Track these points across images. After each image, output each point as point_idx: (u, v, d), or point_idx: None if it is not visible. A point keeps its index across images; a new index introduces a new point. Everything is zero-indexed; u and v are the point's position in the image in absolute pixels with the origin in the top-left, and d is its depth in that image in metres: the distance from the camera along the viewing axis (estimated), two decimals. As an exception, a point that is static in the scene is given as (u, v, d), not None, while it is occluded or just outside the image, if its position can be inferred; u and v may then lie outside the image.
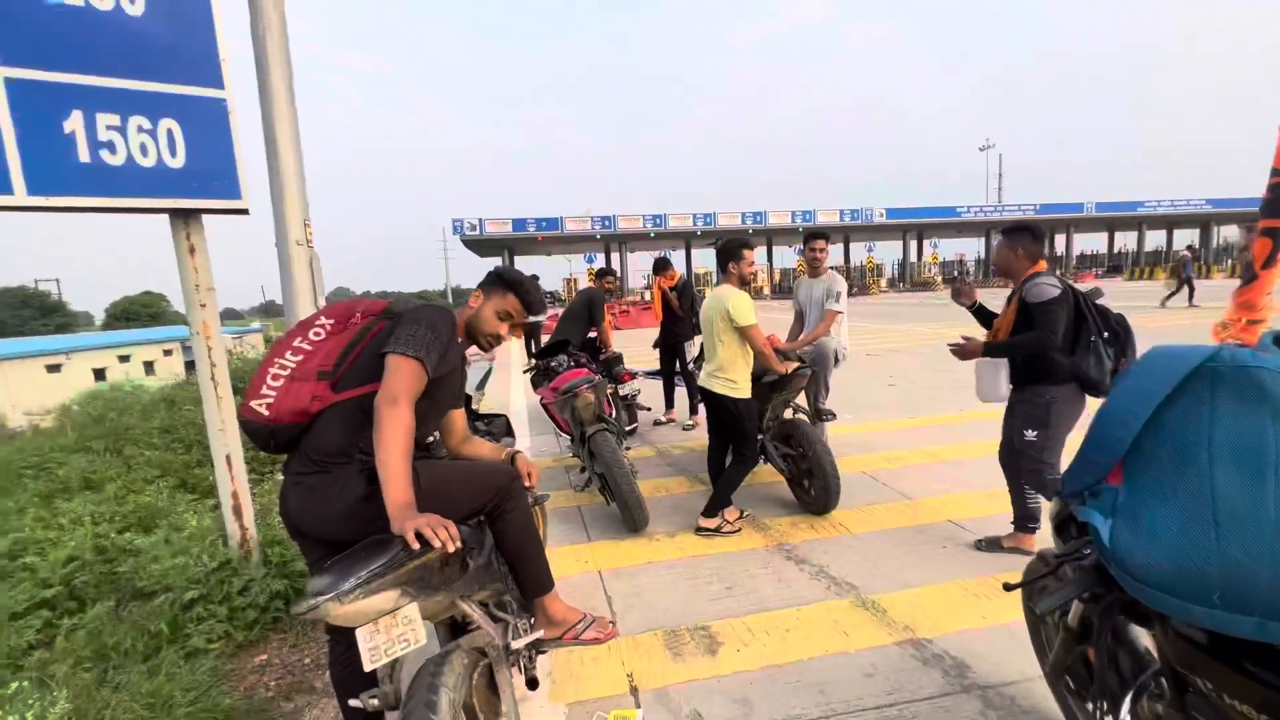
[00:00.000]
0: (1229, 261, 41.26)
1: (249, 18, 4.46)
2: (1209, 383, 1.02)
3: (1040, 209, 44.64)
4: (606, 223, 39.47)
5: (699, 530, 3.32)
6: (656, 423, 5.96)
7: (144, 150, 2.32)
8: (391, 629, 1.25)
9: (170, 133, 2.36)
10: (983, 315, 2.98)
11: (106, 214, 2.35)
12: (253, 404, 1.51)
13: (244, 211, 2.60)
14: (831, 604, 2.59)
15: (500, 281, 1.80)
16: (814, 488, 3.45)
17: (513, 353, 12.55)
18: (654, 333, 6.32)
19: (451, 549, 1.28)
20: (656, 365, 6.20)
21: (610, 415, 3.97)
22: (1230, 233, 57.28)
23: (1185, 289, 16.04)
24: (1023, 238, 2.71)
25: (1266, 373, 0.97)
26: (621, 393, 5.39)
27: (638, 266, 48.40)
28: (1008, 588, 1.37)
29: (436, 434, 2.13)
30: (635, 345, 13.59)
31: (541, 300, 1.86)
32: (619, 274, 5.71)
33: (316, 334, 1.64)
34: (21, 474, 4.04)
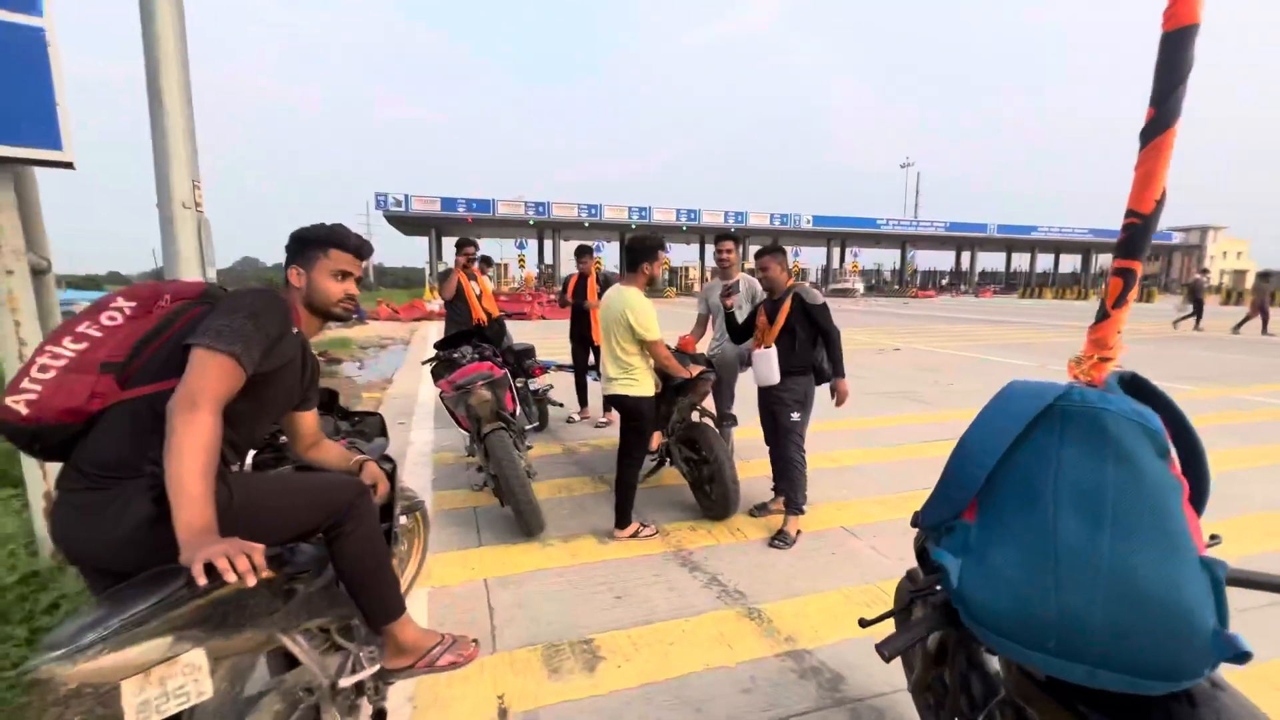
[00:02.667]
0: (1104, 286, 45.88)
1: None
2: (1059, 422, 1.00)
3: (950, 226, 47.89)
4: (540, 209, 38.63)
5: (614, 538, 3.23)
6: (569, 420, 5.80)
7: (-74, 79, 1.91)
8: (167, 680, 1.04)
9: (-35, 62, 1.96)
10: (730, 320, 3.57)
11: None
12: (9, 400, 1.24)
13: (67, 165, 2.22)
14: (719, 614, 2.56)
15: (312, 243, 1.58)
16: (714, 493, 3.43)
17: (431, 337, 11.97)
18: None
19: (251, 582, 1.08)
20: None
21: (514, 412, 3.78)
22: (1107, 260, 63.88)
23: (1197, 312, 15.38)
24: (783, 256, 3.38)
25: (1109, 415, 0.96)
26: (532, 387, 5.21)
27: (571, 255, 47.68)
28: (863, 623, 1.35)
29: (283, 437, 1.90)
30: (560, 337, 13.34)
31: (364, 240, 1.66)
32: (477, 246, 5.52)
33: (110, 319, 1.37)
34: None
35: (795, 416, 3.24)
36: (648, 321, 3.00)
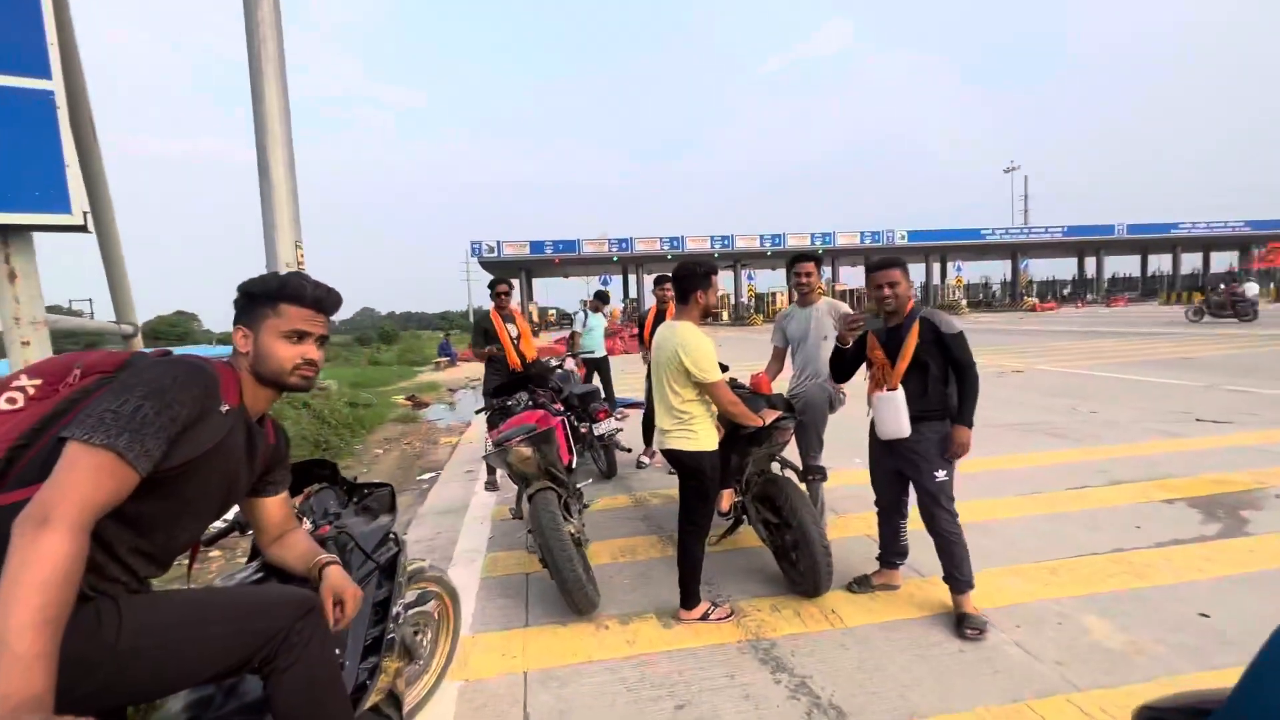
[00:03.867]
0: (1272, 285, 39.33)
1: (245, 44, 4.20)
2: None
3: (1068, 230, 43.37)
4: (623, 245, 39.36)
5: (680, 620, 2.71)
6: (639, 464, 5.35)
7: (-61, 152, 1.86)
8: None
9: (-23, 131, 1.90)
10: (839, 355, 2.84)
11: (-114, 231, 1.89)
12: None
13: (79, 228, 2.12)
14: (809, 741, 1.96)
15: (259, 298, 1.28)
16: (801, 564, 2.82)
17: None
18: None
19: None
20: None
21: (570, 464, 3.40)
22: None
23: None
24: (905, 271, 2.65)
25: None
26: (597, 432, 4.84)
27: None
28: None
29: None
30: (639, 372, 12.96)
31: (327, 291, 1.33)
32: (510, 284, 5.20)
33: (11, 401, 1.12)
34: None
35: (941, 475, 2.56)
36: (704, 361, 2.52)
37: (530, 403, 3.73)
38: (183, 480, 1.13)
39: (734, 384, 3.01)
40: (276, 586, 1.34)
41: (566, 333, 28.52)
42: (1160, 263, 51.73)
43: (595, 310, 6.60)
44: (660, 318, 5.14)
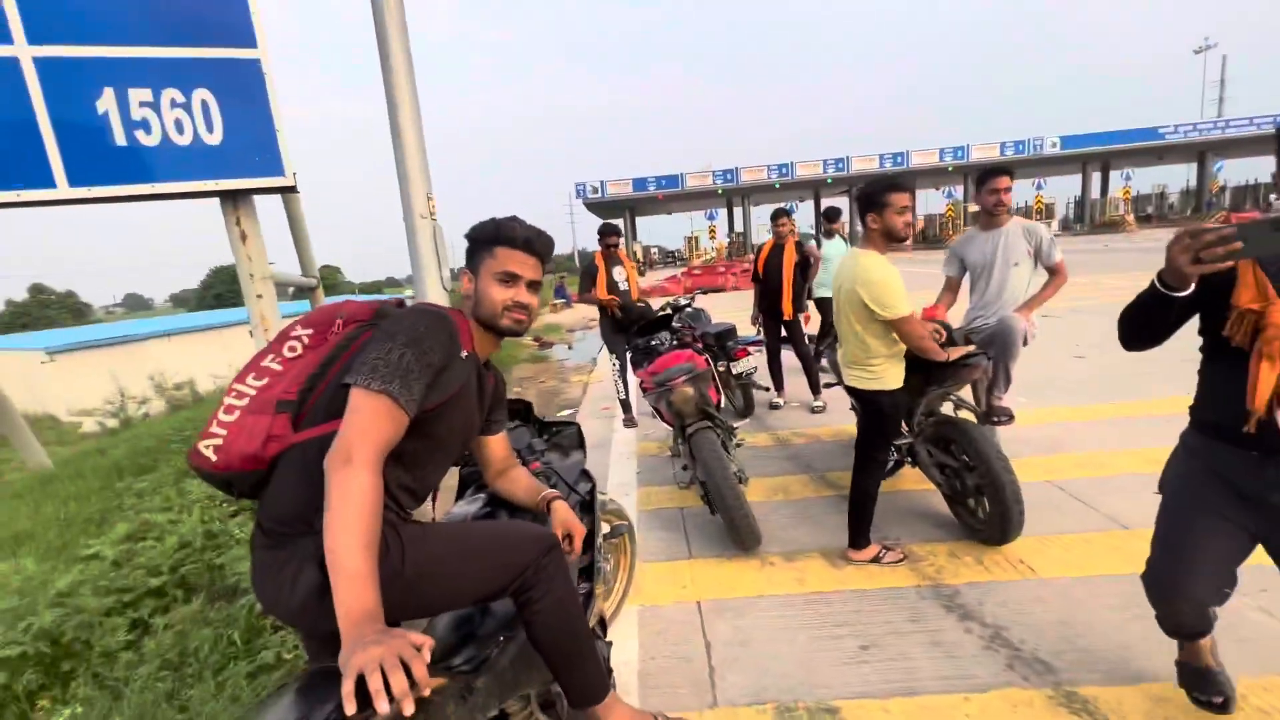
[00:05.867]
0: None
1: (370, 6, 4.39)
2: None
3: (1279, 121, 35.15)
4: (728, 176, 37.73)
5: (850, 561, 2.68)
6: (773, 406, 5.24)
7: (179, 127, 2.09)
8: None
9: (205, 104, 2.11)
10: (1155, 303, 1.33)
11: (150, 201, 2.17)
12: (200, 446, 1.15)
13: (291, 189, 2.31)
14: (1015, 694, 1.85)
15: (479, 242, 1.33)
16: (985, 511, 2.63)
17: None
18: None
19: (408, 710, 0.81)
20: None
21: (719, 404, 3.39)
22: None
23: None
24: None
25: None
26: (735, 370, 4.77)
27: (763, 220, 46.19)
28: None
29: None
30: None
31: (538, 233, 1.35)
32: (620, 233, 5.00)
33: (291, 350, 1.24)
34: (170, 447, 4.41)
35: None
36: (887, 296, 2.31)
37: (675, 342, 3.71)
38: (436, 421, 1.21)
39: None
40: (520, 523, 1.44)
41: (676, 270, 28.16)
42: None
43: (830, 236, 5.53)
44: (776, 252, 4.88)
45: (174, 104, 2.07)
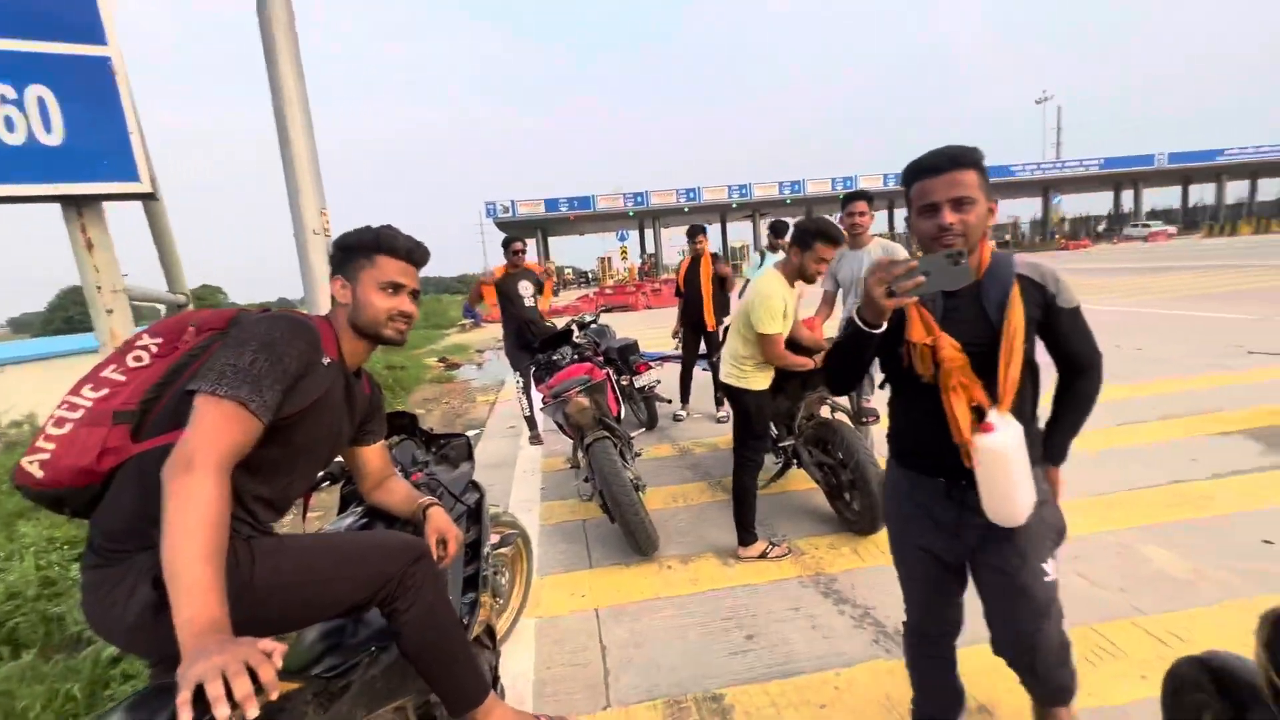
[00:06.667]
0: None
1: (255, 8, 4.16)
2: None
3: (1105, 163, 41.33)
4: (639, 199, 38.66)
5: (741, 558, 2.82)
6: (676, 418, 5.41)
7: (10, 125, 1.90)
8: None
9: (42, 101, 1.93)
10: (852, 343, 1.30)
11: (-28, 205, 1.95)
12: (24, 462, 1.07)
13: (149, 196, 2.16)
14: (879, 665, 2.04)
15: (356, 250, 1.31)
16: (857, 503, 2.87)
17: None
18: None
19: (251, 714, 0.79)
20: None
21: (618, 416, 3.47)
22: (1326, 180, 51.97)
23: None
24: (978, 170, 1.25)
25: None
26: (637, 384, 4.90)
27: (672, 243, 47.57)
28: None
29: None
30: (670, 324, 12.95)
31: (417, 243, 1.36)
32: (523, 245, 5.05)
33: (136, 359, 1.18)
34: (1, 489, 3.85)
35: (1054, 571, 1.35)
36: (761, 313, 2.56)
37: (575, 356, 3.77)
38: (295, 430, 1.18)
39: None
40: (387, 532, 1.42)
41: (589, 290, 28.27)
42: (1203, 193, 49.21)
43: (774, 250, 4.72)
44: (694, 267, 5.10)
45: (3, 100, 1.89)
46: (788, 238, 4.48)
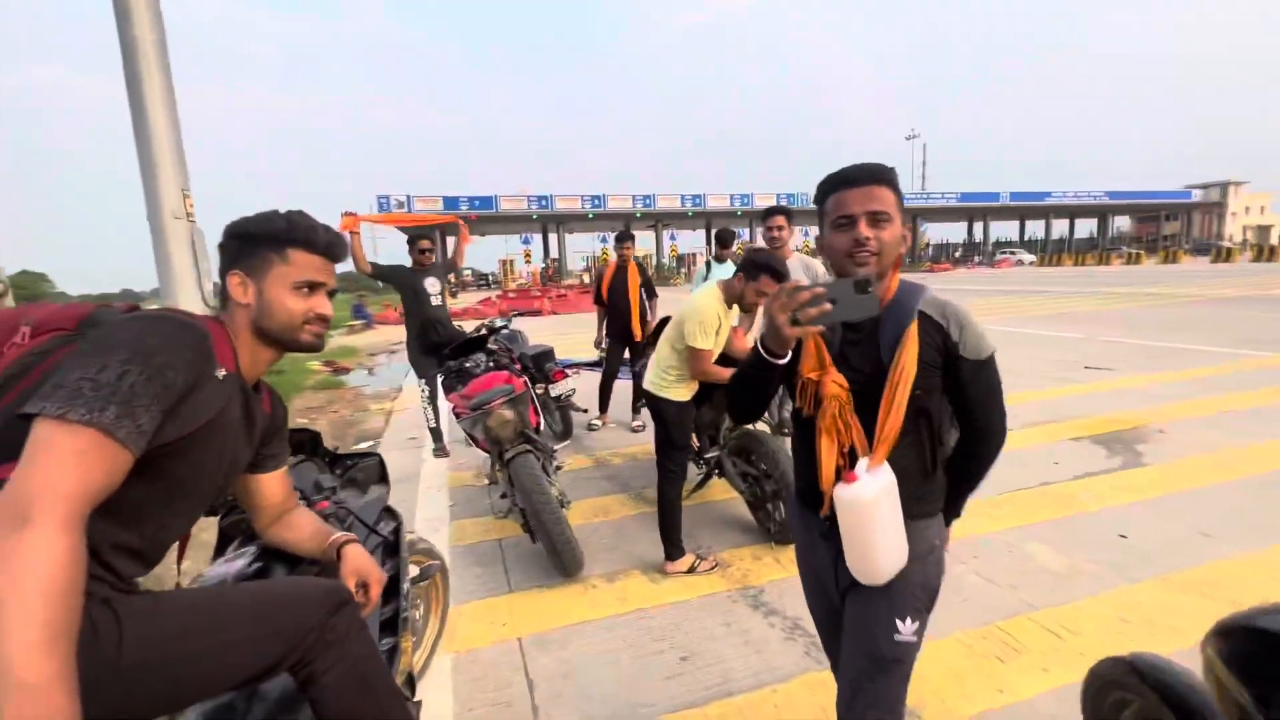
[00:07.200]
0: (1124, 249, 44.98)
1: None
2: None
3: (962, 197, 46.72)
4: (543, 202, 38.12)
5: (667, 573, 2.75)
6: (591, 427, 5.29)
7: None
8: None
9: None
10: (751, 373, 1.18)
11: None
12: None
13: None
14: (812, 677, 2.05)
15: (262, 241, 1.09)
16: (780, 513, 2.92)
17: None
18: (594, 318, 5.45)
19: None
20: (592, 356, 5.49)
21: (538, 427, 3.29)
22: (1123, 223, 62.43)
23: None
24: (891, 187, 1.23)
25: None
26: (554, 393, 4.71)
27: (576, 248, 47.35)
28: None
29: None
30: (577, 331, 12.81)
31: (337, 235, 1.17)
32: (432, 240, 4.74)
33: None
34: None
35: (912, 632, 1.18)
36: (694, 327, 2.55)
37: (491, 363, 3.54)
38: (175, 459, 0.94)
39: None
40: (295, 579, 1.18)
41: (490, 294, 27.28)
42: (1034, 228, 57.15)
43: (721, 260, 4.54)
44: (620, 274, 5.00)
45: None
46: (734, 248, 4.51)
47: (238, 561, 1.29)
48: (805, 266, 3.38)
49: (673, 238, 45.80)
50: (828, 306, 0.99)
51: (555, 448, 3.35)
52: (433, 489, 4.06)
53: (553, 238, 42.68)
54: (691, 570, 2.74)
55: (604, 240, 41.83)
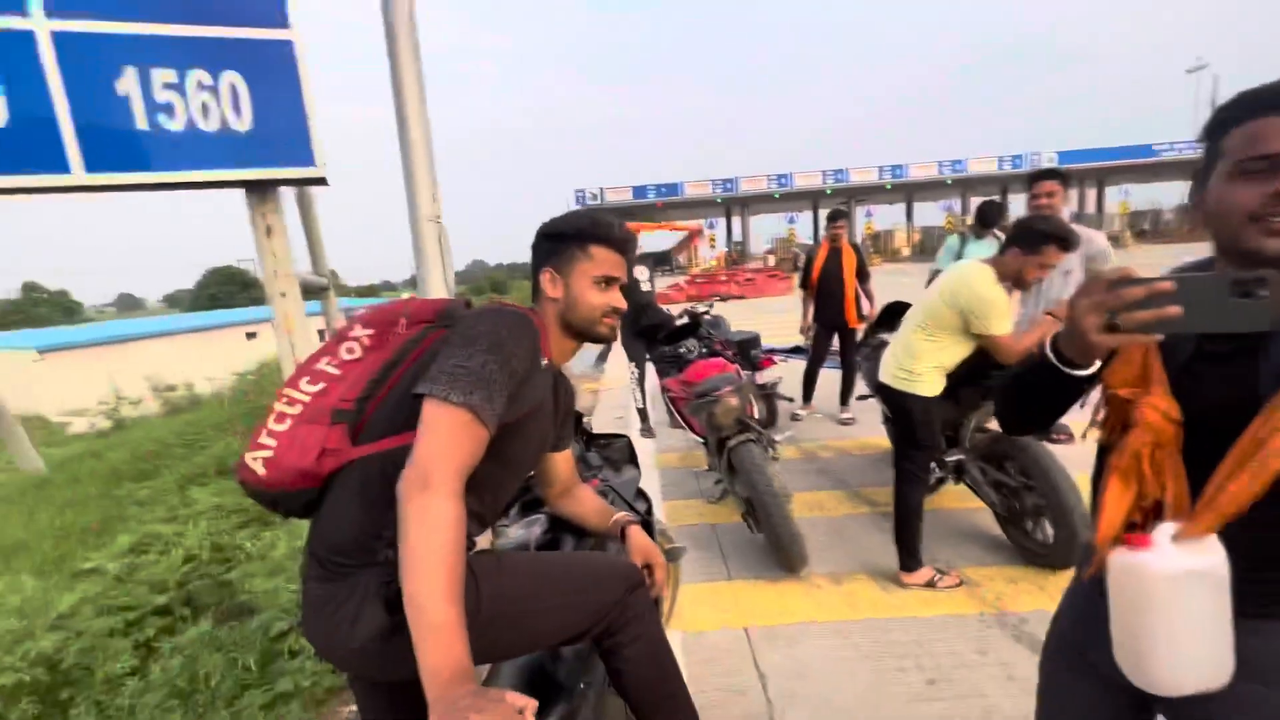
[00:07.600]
0: None
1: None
2: None
3: (1277, 140, 35.63)
4: (728, 185, 37.83)
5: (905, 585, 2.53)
6: (794, 417, 5.09)
7: (205, 111, 1.94)
8: None
9: (234, 88, 1.96)
10: (1045, 374, 0.86)
11: (171, 190, 2.01)
12: (248, 458, 1.00)
13: (320, 181, 2.17)
14: (1108, 737, 1.71)
15: (569, 238, 1.16)
16: (1045, 532, 2.49)
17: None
18: (783, 303, 5.20)
19: None
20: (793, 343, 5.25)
21: (754, 416, 3.24)
22: None
23: None
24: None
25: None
26: (759, 381, 4.63)
27: (760, 229, 46.32)
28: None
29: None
30: (764, 318, 12.56)
31: (628, 230, 1.21)
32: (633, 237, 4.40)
33: (349, 351, 1.09)
34: (175, 452, 4.22)
35: None
36: (989, 312, 2.18)
37: (704, 350, 3.58)
38: (510, 438, 1.06)
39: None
40: (602, 556, 1.29)
41: (680, 278, 27.95)
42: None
43: (981, 237, 3.97)
44: (833, 257, 4.69)
45: (201, 86, 1.93)
46: (1002, 227, 3.83)
47: (535, 528, 1.44)
48: (1087, 239, 2.80)
49: (868, 214, 42.33)
50: (1174, 310, 0.67)
51: (777, 439, 3.27)
52: (645, 469, 4.26)
53: (735, 221, 42.27)
54: (930, 585, 2.48)
55: (791, 220, 40.32)
